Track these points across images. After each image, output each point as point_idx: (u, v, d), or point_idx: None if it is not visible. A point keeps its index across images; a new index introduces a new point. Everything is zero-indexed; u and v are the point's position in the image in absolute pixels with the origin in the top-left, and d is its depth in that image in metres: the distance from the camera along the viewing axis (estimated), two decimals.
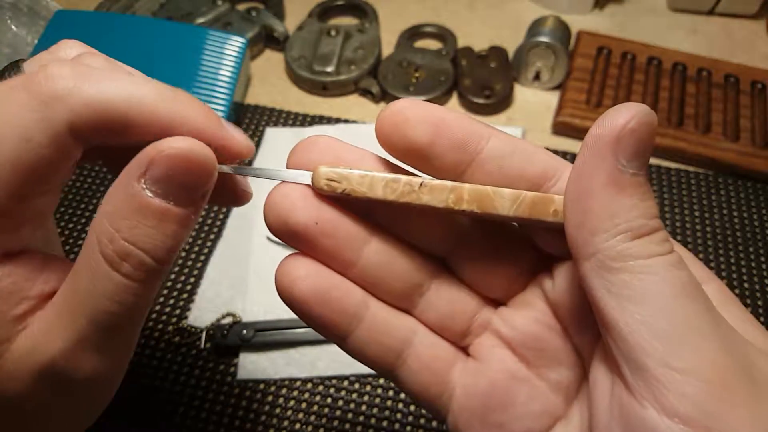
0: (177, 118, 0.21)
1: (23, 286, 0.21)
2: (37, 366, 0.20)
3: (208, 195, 0.21)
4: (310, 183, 0.21)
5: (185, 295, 0.45)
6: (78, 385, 0.21)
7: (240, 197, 0.25)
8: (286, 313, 0.43)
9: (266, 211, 0.21)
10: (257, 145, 0.54)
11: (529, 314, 0.23)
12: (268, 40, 0.63)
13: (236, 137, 0.22)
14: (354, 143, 0.22)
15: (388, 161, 0.22)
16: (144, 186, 0.20)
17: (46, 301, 0.21)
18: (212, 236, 0.48)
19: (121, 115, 0.20)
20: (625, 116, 0.18)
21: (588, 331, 0.21)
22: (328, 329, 0.22)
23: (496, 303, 0.24)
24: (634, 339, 0.17)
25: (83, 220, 0.49)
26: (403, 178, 0.21)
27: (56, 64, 0.20)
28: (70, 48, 0.24)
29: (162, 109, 0.21)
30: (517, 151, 0.21)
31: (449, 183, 0.21)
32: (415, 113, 0.20)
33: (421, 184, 0.21)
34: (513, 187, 0.21)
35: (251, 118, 0.56)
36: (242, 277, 0.45)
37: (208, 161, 0.20)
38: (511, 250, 0.23)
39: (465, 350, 0.24)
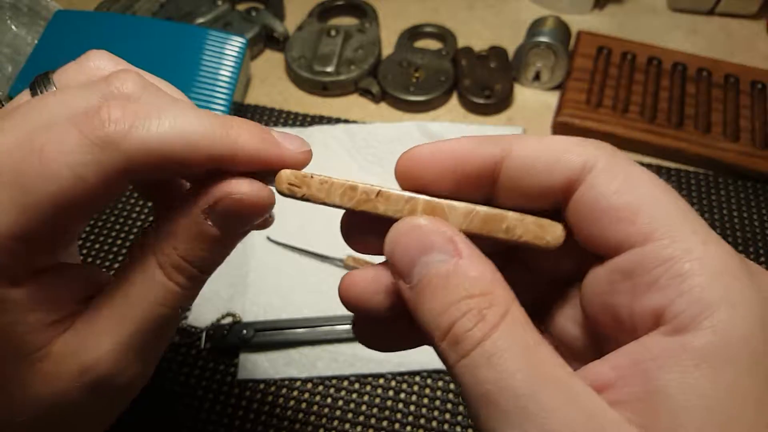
0: (232, 150, 0.21)
1: (59, 294, 0.22)
2: (80, 367, 0.21)
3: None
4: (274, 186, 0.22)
5: None
6: (117, 387, 0.22)
7: (265, 222, 0.27)
8: (286, 313, 0.43)
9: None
10: None
11: None
12: (268, 40, 0.63)
13: (291, 150, 0.22)
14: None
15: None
16: (206, 216, 0.21)
17: (81, 306, 0.22)
18: None
19: (177, 155, 0.20)
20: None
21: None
22: None
23: None
24: None
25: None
26: (361, 186, 0.21)
27: (108, 107, 0.20)
28: (99, 59, 0.24)
29: (218, 144, 0.21)
30: (537, 166, 0.20)
31: (406, 194, 0.21)
32: (428, 167, 0.21)
33: (377, 193, 0.21)
34: (539, 202, 0.20)
35: (251, 119, 0.56)
36: (242, 277, 0.45)
37: (267, 202, 0.22)
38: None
39: None
